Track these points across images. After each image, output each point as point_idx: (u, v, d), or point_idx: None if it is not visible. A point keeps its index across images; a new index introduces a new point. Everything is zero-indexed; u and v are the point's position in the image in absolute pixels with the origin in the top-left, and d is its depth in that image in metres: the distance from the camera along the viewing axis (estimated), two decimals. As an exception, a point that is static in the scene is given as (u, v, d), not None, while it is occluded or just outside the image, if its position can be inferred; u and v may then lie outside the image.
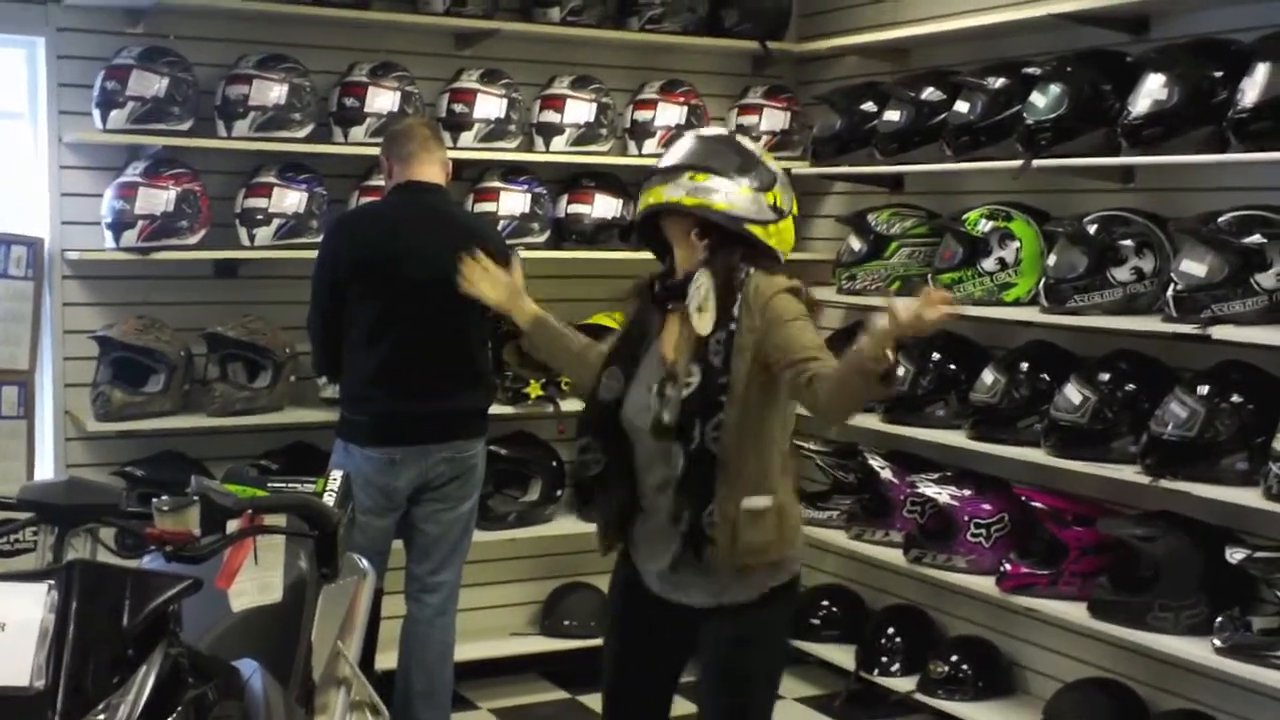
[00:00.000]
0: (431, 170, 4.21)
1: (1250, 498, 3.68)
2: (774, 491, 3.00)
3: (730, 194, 2.98)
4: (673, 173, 3.02)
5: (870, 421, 4.94)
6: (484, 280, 3.32)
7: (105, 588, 2.00)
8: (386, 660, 4.39)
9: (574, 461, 3.22)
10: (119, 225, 4.55)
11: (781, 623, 3.16)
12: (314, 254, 4.27)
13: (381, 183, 4.38)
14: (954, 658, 4.77)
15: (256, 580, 2.46)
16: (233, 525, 2.34)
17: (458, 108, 5.04)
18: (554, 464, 5.29)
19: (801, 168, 5.35)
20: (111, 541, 2.38)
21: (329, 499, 2.82)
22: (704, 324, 2.94)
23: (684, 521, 2.94)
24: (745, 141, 3.16)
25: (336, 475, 2.94)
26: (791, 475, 3.14)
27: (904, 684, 4.84)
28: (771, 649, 3.15)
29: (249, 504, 2.37)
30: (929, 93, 4.83)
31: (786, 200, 3.08)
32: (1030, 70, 4.41)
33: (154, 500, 2.22)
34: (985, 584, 4.49)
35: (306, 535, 2.46)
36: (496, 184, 5.12)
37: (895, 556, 4.82)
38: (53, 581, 1.98)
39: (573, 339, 3.30)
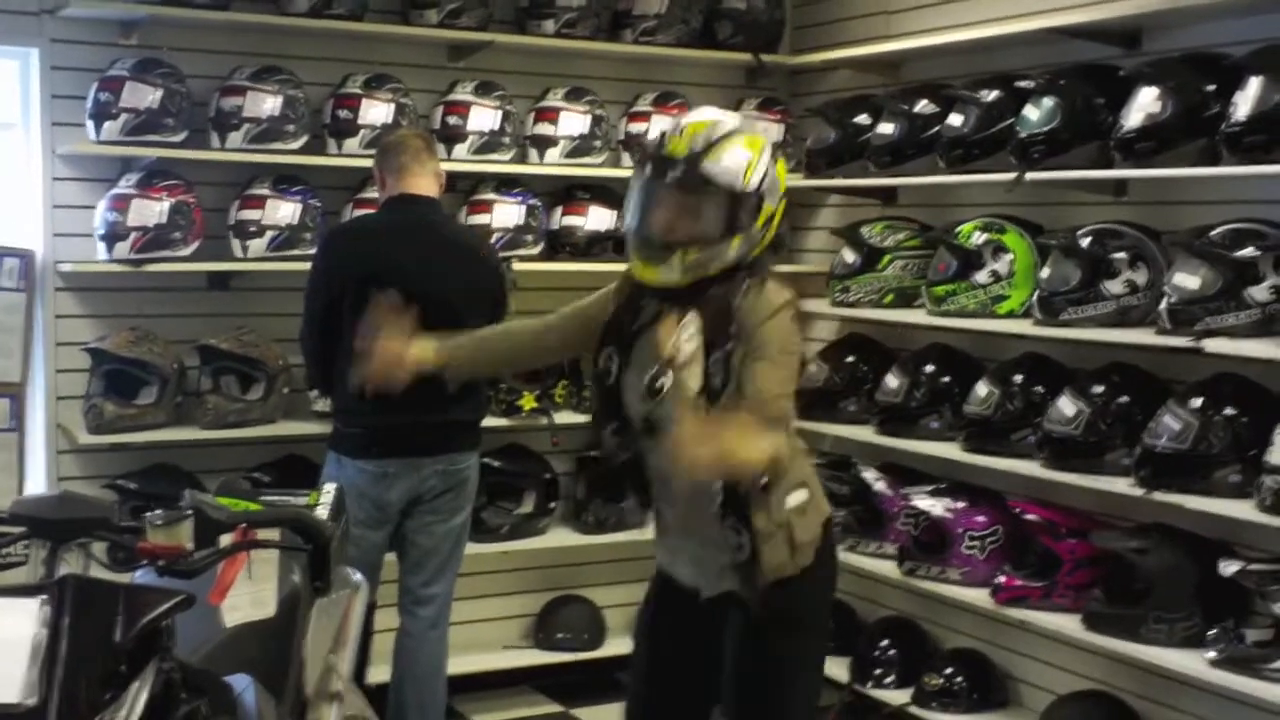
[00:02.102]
0: (424, 182, 4.21)
1: (1244, 510, 3.68)
2: (805, 482, 3.01)
3: (723, 255, 2.89)
4: (660, 252, 2.89)
5: (864, 434, 4.94)
6: (382, 365, 3.08)
7: (98, 603, 1.98)
8: (379, 674, 4.38)
9: (602, 452, 3.15)
10: (112, 237, 4.55)
11: (804, 604, 3.07)
12: (307, 266, 4.26)
13: (375, 195, 4.38)
14: (948, 670, 4.76)
15: (250, 595, 2.45)
16: (226, 539, 2.33)
17: (452, 120, 5.05)
18: (547, 476, 5.29)
19: (795, 180, 5.34)
20: (104, 556, 2.37)
21: (322, 512, 2.80)
22: (692, 380, 2.87)
23: (741, 534, 2.91)
24: (728, 161, 2.88)
25: (329, 488, 2.92)
26: (806, 460, 3.13)
27: (898, 696, 4.83)
28: (790, 636, 3.07)
29: (242, 518, 2.36)
30: (922, 105, 4.83)
31: (774, 201, 2.93)
32: (1023, 83, 4.43)
33: (146, 515, 2.22)
34: (979, 596, 4.48)
35: (300, 549, 2.45)
36: (490, 196, 5.12)
37: (889, 569, 4.82)
38: (45, 597, 1.97)
39: (492, 346, 3.29)
